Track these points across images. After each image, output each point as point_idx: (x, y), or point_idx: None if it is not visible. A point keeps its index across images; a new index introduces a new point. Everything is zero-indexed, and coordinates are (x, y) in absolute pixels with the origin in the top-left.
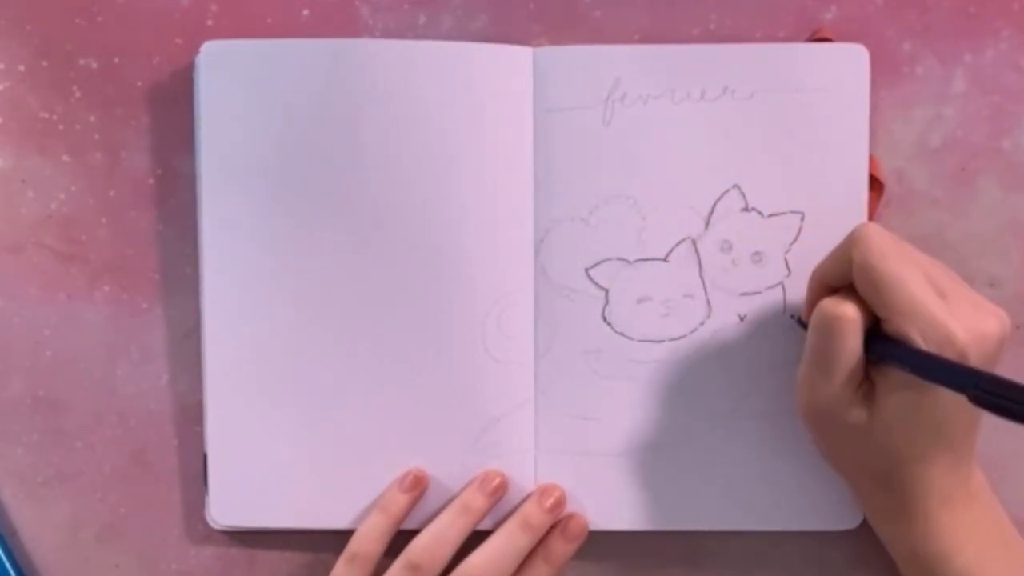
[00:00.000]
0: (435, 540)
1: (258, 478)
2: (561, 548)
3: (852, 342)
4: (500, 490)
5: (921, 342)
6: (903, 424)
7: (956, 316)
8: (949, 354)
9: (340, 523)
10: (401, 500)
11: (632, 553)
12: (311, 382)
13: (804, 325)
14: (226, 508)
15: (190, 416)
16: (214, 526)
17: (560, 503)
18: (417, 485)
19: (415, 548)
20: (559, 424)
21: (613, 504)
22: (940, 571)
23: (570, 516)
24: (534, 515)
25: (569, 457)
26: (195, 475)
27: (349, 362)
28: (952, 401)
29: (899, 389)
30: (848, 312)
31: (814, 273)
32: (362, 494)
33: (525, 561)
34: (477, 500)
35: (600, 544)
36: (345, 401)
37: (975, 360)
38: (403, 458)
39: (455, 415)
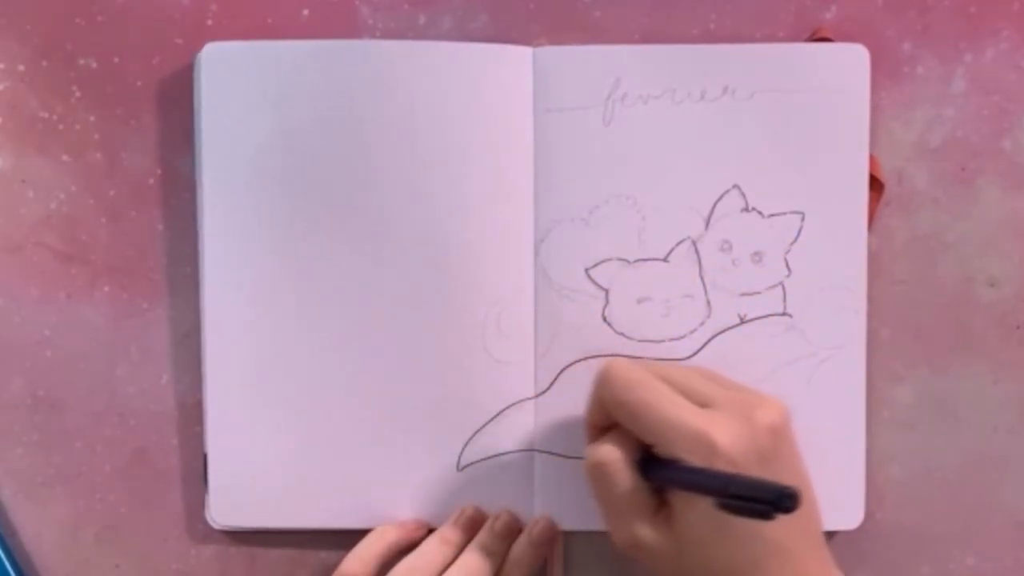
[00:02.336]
0: (413, 569)
1: (258, 478)
2: (530, 553)
3: (622, 482)
4: (475, 526)
5: (689, 458)
6: (712, 538)
7: (718, 423)
8: (718, 463)
9: (340, 523)
10: (399, 531)
11: None
12: (311, 382)
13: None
14: (226, 508)
15: (190, 416)
16: (214, 526)
17: (511, 530)
18: (418, 529)
19: (393, 575)
20: (559, 424)
21: None
22: None
23: (536, 522)
24: (489, 542)
25: (569, 457)
26: (195, 475)
27: (349, 362)
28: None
29: (694, 504)
30: (604, 455)
31: (584, 420)
32: (362, 494)
33: (499, 570)
34: (454, 534)
35: (600, 544)
36: (345, 401)
37: (746, 460)
38: (403, 457)
39: (455, 415)
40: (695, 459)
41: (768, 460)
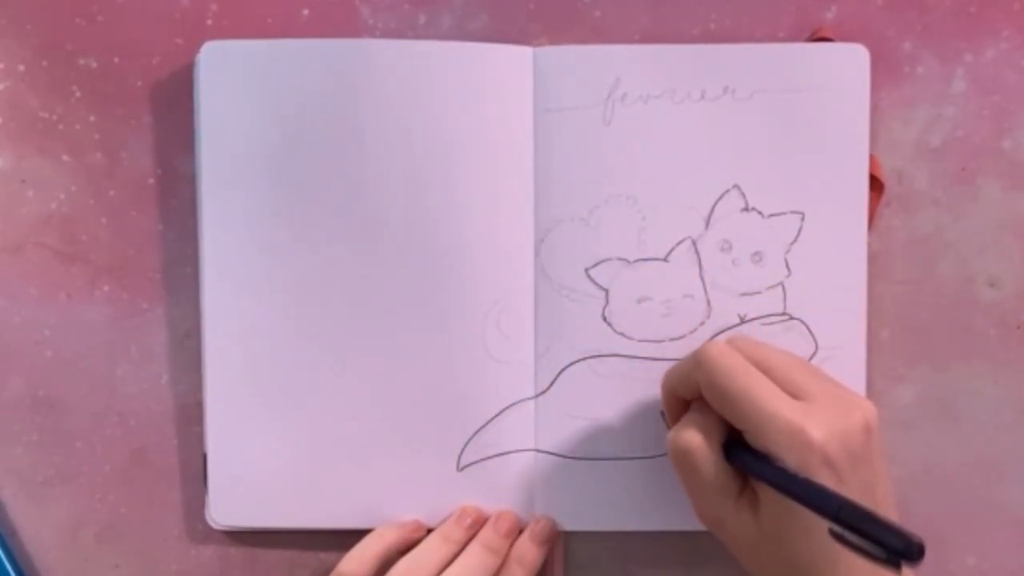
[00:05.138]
0: (414, 567)
1: (258, 478)
2: (532, 551)
3: (706, 468)
4: (476, 525)
5: (782, 451)
6: (788, 536)
7: (814, 417)
8: (812, 458)
9: (340, 523)
10: (398, 531)
11: (632, 553)
12: (311, 382)
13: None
14: (226, 508)
15: (190, 416)
16: (214, 526)
17: (514, 529)
18: (417, 530)
19: (395, 572)
20: (559, 424)
21: (613, 504)
22: None
23: (538, 520)
24: (492, 540)
25: (569, 457)
26: (195, 475)
27: (349, 362)
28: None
29: (777, 499)
30: (689, 442)
31: (664, 381)
32: (361, 494)
33: (500, 567)
34: (455, 533)
35: (600, 544)
36: (345, 401)
37: (839, 457)
38: (403, 457)
39: (455, 415)
40: (790, 454)
41: (860, 461)
